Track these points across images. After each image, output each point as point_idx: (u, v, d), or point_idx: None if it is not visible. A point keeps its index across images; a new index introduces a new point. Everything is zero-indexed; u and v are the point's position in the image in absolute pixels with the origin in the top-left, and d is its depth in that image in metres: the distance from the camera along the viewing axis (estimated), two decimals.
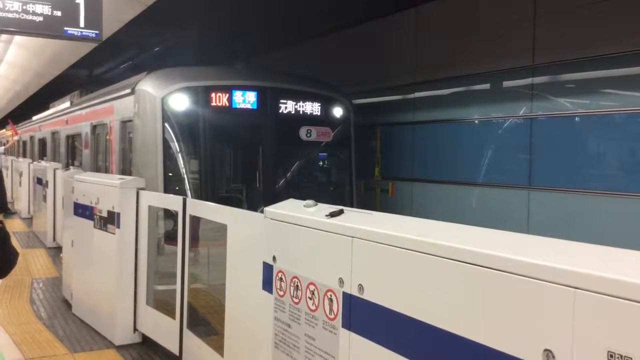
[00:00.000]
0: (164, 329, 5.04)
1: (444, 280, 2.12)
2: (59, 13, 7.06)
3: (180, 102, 7.46)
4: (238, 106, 7.65)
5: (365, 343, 2.51)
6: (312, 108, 8.13)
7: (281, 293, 3.17)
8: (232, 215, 4.07)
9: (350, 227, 2.65)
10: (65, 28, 7.14)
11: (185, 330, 4.66)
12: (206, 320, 5.16)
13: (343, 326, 2.66)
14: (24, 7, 6.88)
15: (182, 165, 7.52)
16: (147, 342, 5.44)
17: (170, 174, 7.44)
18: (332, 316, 2.73)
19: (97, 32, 7.26)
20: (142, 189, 5.58)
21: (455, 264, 2.06)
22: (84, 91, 13.89)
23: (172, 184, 7.37)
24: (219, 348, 4.07)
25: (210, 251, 5.67)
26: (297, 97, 8.05)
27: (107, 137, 9.47)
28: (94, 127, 10.53)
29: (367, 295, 2.51)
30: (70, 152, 13.33)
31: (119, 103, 8.75)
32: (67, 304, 6.78)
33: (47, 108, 18.56)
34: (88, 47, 11.42)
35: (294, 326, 3.04)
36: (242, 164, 8.55)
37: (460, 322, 2.04)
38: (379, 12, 9.95)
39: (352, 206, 7.57)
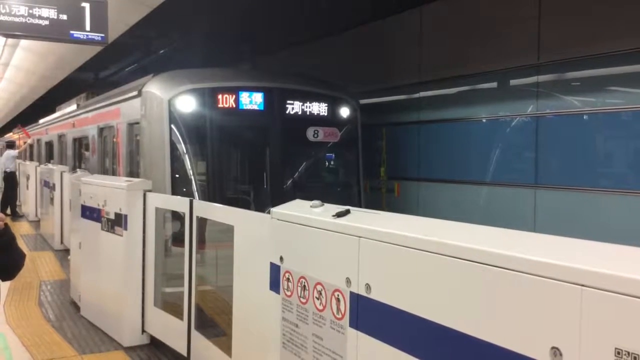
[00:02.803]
0: (171, 330, 5.07)
1: (451, 278, 2.13)
2: (64, 17, 7.09)
3: (187, 103, 7.43)
4: (245, 107, 7.61)
5: (373, 342, 2.51)
6: (319, 108, 8.07)
7: (288, 293, 3.18)
8: (239, 216, 4.08)
9: (357, 227, 2.66)
10: (71, 31, 7.17)
11: (193, 331, 4.67)
12: (214, 321, 5.18)
13: (350, 326, 2.67)
14: (30, 11, 6.92)
15: (190, 167, 7.49)
16: (155, 343, 5.47)
17: (178, 176, 7.42)
18: (340, 316, 2.74)
19: (102, 35, 7.29)
20: (149, 191, 5.61)
21: (461, 262, 2.07)
22: (90, 94, 13.90)
23: (179, 186, 7.35)
24: (227, 349, 4.08)
25: (218, 252, 5.67)
26: (304, 97, 7.98)
27: (114, 140, 9.46)
28: (100, 130, 10.51)
29: (375, 295, 2.51)
30: (77, 155, 13.32)
31: (126, 105, 8.73)
32: (75, 306, 6.82)
33: (53, 111, 18.60)
34: (94, 50, 11.47)
35: (302, 326, 3.05)
36: (250, 165, 8.48)
37: (468, 320, 2.05)
38: (384, 13, 9.92)
39: (359, 206, 7.53)
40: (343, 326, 2.71)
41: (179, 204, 5.17)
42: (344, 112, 8.32)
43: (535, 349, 1.80)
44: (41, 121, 20.96)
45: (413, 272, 2.32)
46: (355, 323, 2.63)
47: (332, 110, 8.20)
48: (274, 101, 7.80)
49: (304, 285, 3.03)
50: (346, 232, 2.71)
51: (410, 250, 2.32)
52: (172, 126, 7.38)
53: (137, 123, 8.09)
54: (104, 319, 5.99)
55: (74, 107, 14.43)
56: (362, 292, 2.58)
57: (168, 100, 7.41)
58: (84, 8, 7.16)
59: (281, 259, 3.25)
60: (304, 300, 3.03)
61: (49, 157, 17.57)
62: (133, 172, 8.39)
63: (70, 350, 5.41)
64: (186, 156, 7.49)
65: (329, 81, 8.80)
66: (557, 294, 1.74)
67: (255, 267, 3.59)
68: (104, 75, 18.44)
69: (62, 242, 10.57)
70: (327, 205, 3.20)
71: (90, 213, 6.32)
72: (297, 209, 3.30)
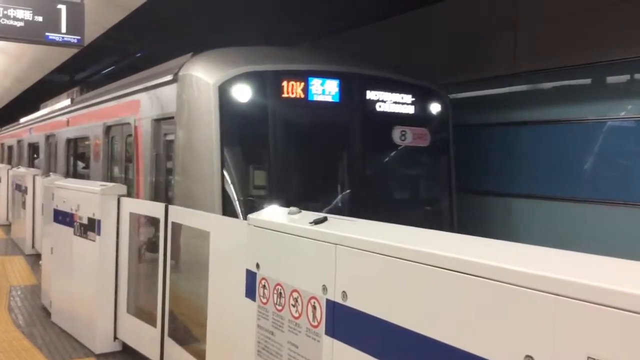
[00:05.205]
0: (144, 337, 5.00)
1: (426, 287, 2.14)
2: (40, 18, 7.02)
3: (244, 91, 5.58)
4: (315, 98, 5.83)
5: (349, 350, 2.51)
6: (408, 103, 6.35)
7: (264, 300, 3.16)
8: (215, 222, 4.06)
9: (333, 235, 2.66)
10: (47, 33, 7.10)
11: (167, 338, 4.62)
12: (188, 328, 5.12)
13: (326, 333, 2.66)
14: (5, 12, 6.84)
15: (246, 177, 5.82)
16: (127, 351, 5.39)
17: (231, 189, 5.58)
18: (316, 323, 2.73)
19: (79, 37, 7.23)
20: (124, 195, 5.54)
21: (437, 270, 2.08)
22: (85, 88, 12.58)
23: (234, 202, 5.51)
24: (200, 356, 4.04)
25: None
26: (391, 88, 6.22)
27: (130, 141, 7.56)
28: (108, 128, 8.46)
29: (351, 302, 2.51)
30: (73, 159, 11.17)
31: (150, 95, 6.88)
32: (46, 312, 6.69)
33: (36, 109, 17.36)
34: (70, 52, 11.33)
35: (277, 333, 3.03)
36: (322, 175, 6.39)
37: (443, 328, 2.05)
38: None
39: (451, 228, 6.30)
40: (319, 334, 2.71)
41: (154, 209, 5.11)
42: (435, 108, 6.57)
43: (509, 357, 1.81)
44: (22, 120, 18.73)
45: (389, 279, 2.32)
46: (331, 331, 2.63)
47: (422, 105, 6.47)
48: (352, 91, 6.05)
49: (280, 293, 3.02)
50: (323, 240, 2.71)
51: (386, 257, 2.32)
52: (224, 122, 5.52)
53: (169, 118, 6.26)
54: (75, 325, 5.89)
55: (67, 102, 12.43)
56: (339, 300, 2.58)
57: (218, 86, 5.55)
58: (60, 10, 7.09)
59: (257, 265, 3.23)
60: (279, 308, 3.02)
61: (33, 161, 15.90)
62: (159, 182, 6.61)
63: (41, 357, 5.30)
64: (242, 162, 5.80)
65: (415, 69, 7.08)
66: (531, 303, 1.75)
67: (231, 274, 3.57)
68: (80, 77, 18.18)
69: (33, 247, 10.38)
70: (304, 212, 3.20)
71: (62, 217, 6.22)
72: (274, 215, 3.30)
